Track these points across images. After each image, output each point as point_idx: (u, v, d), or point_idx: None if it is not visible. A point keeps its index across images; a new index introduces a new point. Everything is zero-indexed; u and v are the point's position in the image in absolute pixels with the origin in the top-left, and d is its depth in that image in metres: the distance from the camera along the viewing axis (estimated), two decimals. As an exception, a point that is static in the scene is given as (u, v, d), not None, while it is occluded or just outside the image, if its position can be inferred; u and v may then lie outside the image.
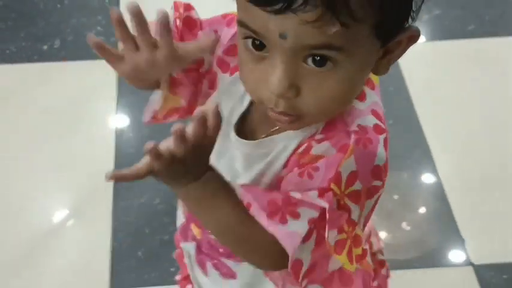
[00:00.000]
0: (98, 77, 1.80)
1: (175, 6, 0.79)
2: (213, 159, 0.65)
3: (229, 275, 0.87)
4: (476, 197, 1.58)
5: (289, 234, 0.64)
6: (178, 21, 0.78)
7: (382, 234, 1.46)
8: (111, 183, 1.56)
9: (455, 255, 1.49)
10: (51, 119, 1.73)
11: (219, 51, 0.78)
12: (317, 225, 0.65)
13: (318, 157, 0.66)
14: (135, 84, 0.77)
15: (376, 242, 1.04)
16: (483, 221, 1.54)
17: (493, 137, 1.70)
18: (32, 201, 1.56)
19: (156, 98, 0.80)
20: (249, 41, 0.62)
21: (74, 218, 1.53)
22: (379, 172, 0.66)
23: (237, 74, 0.75)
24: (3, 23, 1.97)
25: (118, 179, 0.63)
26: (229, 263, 0.85)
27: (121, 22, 0.68)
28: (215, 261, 0.88)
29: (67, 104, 1.76)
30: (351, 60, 0.61)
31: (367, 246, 0.72)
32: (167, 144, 0.61)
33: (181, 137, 0.60)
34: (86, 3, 2.04)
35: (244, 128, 0.77)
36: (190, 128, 0.61)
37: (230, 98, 0.77)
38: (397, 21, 0.62)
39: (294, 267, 0.66)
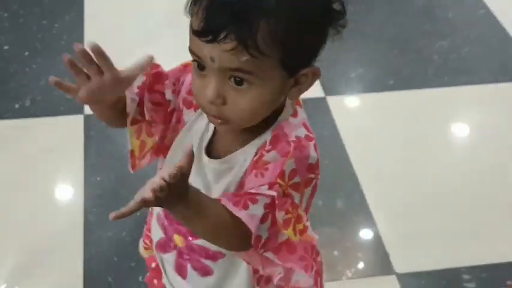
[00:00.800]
0: (66, 130, 2.00)
1: None
2: (192, 177, 0.78)
3: (207, 272, 1.01)
4: (400, 219, 1.79)
5: (251, 216, 0.80)
6: (145, 77, 0.93)
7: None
8: (81, 222, 1.72)
9: (382, 267, 1.67)
10: (23, 168, 1.87)
11: (184, 93, 0.95)
12: (270, 209, 0.82)
13: (268, 162, 0.84)
14: (95, 105, 0.89)
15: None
16: (405, 238, 1.74)
17: (411, 170, 1.93)
18: (15, 231, 1.70)
19: (128, 141, 0.96)
20: (195, 63, 0.81)
21: (51, 250, 1.66)
22: (312, 168, 0.85)
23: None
24: (-23, 85, 2.11)
25: (120, 217, 0.72)
26: (208, 262, 1.00)
27: (72, 63, 0.81)
28: (195, 263, 1.01)
29: (38, 154, 1.91)
30: (262, 84, 0.78)
31: (308, 224, 0.88)
32: (159, 179, 0.71)
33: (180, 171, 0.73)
34: (52, 66, 2.10)
35: (213, 149, 0.93)
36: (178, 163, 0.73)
37: (199, 128, 0.94)
38: (299, 58, 0.80)
39: (256, 242, 0.82)
